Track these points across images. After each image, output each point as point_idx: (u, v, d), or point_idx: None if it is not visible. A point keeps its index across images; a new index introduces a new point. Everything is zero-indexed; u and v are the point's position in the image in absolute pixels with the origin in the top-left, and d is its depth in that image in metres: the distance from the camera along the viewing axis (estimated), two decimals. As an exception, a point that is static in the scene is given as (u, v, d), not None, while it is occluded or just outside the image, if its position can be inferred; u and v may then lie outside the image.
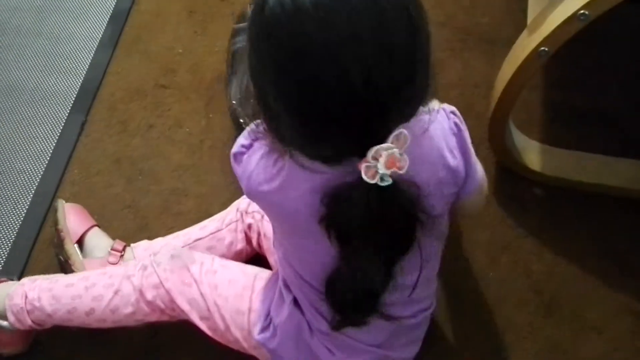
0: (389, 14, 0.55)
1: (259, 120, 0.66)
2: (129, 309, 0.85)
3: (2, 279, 0.94)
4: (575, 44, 1.15)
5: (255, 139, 0.71)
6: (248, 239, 0.97)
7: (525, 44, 0.89)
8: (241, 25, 1.02)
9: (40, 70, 1.26)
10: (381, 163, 0.56)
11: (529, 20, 0.92)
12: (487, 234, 1.06)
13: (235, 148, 0.73)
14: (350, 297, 0.68)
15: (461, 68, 1.25)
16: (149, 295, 0.85)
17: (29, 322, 0.87)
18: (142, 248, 0.98)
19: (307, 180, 0.64)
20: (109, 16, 1.32)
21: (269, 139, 0.65)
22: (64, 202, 1.03)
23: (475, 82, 1.23)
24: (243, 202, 0.98)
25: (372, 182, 0.57)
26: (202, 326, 0.85)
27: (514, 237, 1.06)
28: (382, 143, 0.56)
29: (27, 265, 1.04)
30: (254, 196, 0.72)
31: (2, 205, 1.10)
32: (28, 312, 0.87)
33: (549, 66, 1.23)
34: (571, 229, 1.06)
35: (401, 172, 0.57)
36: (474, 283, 1.02)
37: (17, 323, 0.88)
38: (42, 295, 0.87)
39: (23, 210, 1.09)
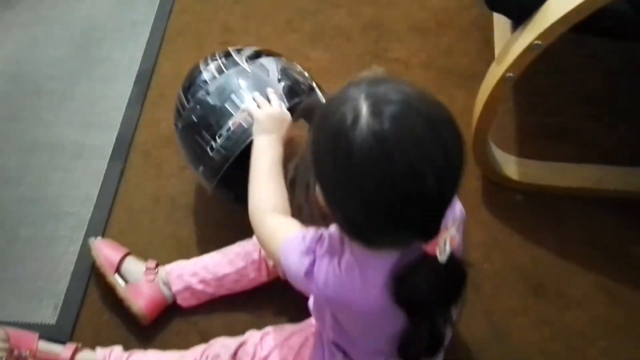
0: (447, 137, 0.72)
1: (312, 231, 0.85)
2: None
3: (78, 347, 1.12)
4: (538, 75, 1.46)
5: (314, 252, 0.85)
6: (271, 272, 1.19)
7: (495, 73, 1.17)
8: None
9: (78, 128, 1.51)
10: (448, 245, 0.75)
11: (496, 54, 1.20)
12: (480, 235, 1.31)
13: (302, 268, 0.85)
14: (422, 350, 0.86)
15: (447, 101, 1.49)
16: None
17: None
18: (175, 275, 1.19)
19: (379, 268, 0.79)
20: (134, 77, 1.59)
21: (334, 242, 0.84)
22: (94, 240, 1.25)
23: (459, 112, 1.46)
24: None
25: (444, 261, 0.75)
26: None
27: (502, 236, 1.32)
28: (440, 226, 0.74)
29: (86, 293, 1.25)
30: (335, 301, 0.86)
31: (59, 243, 1.32)
32: None
33: (519, 94, 1.52)
34: (550, 225, 1.33)
35: (455, 246, 0.77)
36: (471, 274, 1.25)
37: None
38: None
39: (77, 247, 1.31)
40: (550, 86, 1.54)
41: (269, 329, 1.10)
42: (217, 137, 1.14)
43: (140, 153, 1.46)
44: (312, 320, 1.08)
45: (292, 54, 1.63)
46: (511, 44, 1.14)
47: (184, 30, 1.70)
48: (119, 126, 1.50)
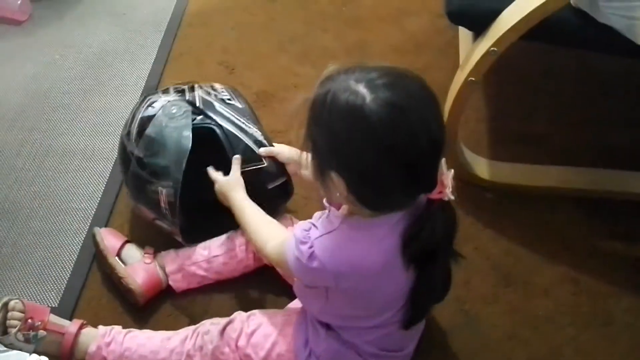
0: (431, 91, 0.88)
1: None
2: None
3: (84, 323, 1.20)
4: (508, 86, 1.57)
5: (309, 237, 0.95)
6: (257, 257, 1.29)
7: (459, 78, 1.29)
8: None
9: (88, 136, 1.65)
10: (451, 186, 0.90)
11: (460, 62, 1.32)
12: (452, 229, 1.40)
13: (305, 254, 0.95)
14: (431, 300, 1.01)
15: (424, 112, 1.65)
16: None
17: None
18: (170, 258, 1.30)
19: (385, 233, 0.92)
20: (140, 92, 1.73)
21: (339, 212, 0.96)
22: (98, 228, 1.37)
23: (436, 121, 1.63)
24: None
25: (453, 198, 0.90)
26: None
27: (474, 230, 1.41)
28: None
29: (87, 280, 1.35)
30: (343, 271, 0.94)
31: (66, 235, 1.44)
32: None
33: (491, 104, 1.64)
34: (517, 220, 1.43)
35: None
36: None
37: None
38: None
39: (82, 238, 1.42)
40: (519, 95, 1.68)
41: (255, 310, 1.19)
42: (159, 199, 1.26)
43: (143, 157, 1.58)
44: (296, 303, 1.17)
45: (282, 71, 1.78)
46: (472, 52, 1.26)
47: (187, 52, 1.86)
48: (124, 134, 1.63)
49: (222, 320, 1.16)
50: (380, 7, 1.99)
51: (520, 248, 1.38)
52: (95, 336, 1.18)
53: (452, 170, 0.90)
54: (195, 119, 1.26)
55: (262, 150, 1.26)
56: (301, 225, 1.00)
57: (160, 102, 1.29)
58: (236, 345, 1.12)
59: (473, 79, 1.26)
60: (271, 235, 1.10)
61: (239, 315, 1.17)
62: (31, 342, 1.13)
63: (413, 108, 0.85)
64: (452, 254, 1.01)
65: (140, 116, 1.29)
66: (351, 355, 1.07)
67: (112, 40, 1.93)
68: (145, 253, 1.31)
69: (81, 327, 1.19)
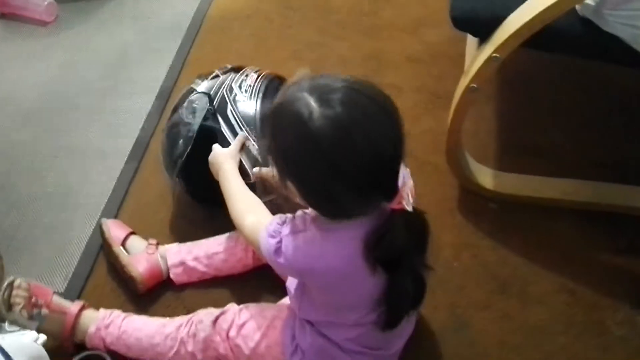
0: (389, 108, 0.89)
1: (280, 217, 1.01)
2: None
3: (85, 305, 1.25)
4: (517, 99, 1.58)
5: (280, 233, 0.99)
6: (257, 257, 1.32)
7: (462, 84, 1.31)
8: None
9: (103, 135, 1.72)
10: (410, 196, 0.92)
11: (465, 68, 1.35)
12: (452, 236, 1.42)
13: (271, 248, 0.99)
14: (410, 302, 1.00)
15: (433, 121, 1.67)
16: (199, 356, 1.17)
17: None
18: (173, 251, 1.35)
19: (348, 237, 0.93)
20: (156, 94, 1.80)
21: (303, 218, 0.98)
22: (105, 219, 1.43)
23: (444, 130, 1.64)
24: None
25: (410, 209, 0.91)
26: None
27: (474, 238, 1.42)
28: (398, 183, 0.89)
29: (93, 268, 1.41)
30: (305, 271, 1.00)
31: (75, 226, 1.50)
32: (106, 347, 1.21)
33: (500, 116, 1.66)
34: (518, 231, 1.43)
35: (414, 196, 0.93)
36: (441, 271, 1.34)
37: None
38: (116, 342, 1.21)
39: (90, 230, 1.48)
40: (530, 107, 1.69)
41: (248, 304, 1.22)
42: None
43: (153, 156, 1.63)
44: (286, 300, 1.20)
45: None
46: (475, 58, 1.28)
47: (204, 57, 1.93)
48: (137, 133, 1.70)
49: (216, 311, 1.21)
50: (399, 18, 2.03)
51: (520, 257, 1.38)
52: (95, 318, 1.23)
53: (412, 182, 0.93)
54: (207, 118, 1.33)
55: (255, 171, 1.28)
56: (276, 219, 1.03)
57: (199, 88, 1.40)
58: (227, 335, 1.16)
59: (474, 85, 1.27)
60: (253, 209, 1.12)
61: (232, 307, 1.21)
62: (34, 319, 1.18)
63: (360, 127, 0.86)
64: (423, 264, 1.01)
65: (180, 102, 1.42)
66: (335, 351, 1.09)
67: (132, 44, 2.00)
68: (148, 244, 1.36)
69: (82, 309, 1.24)
